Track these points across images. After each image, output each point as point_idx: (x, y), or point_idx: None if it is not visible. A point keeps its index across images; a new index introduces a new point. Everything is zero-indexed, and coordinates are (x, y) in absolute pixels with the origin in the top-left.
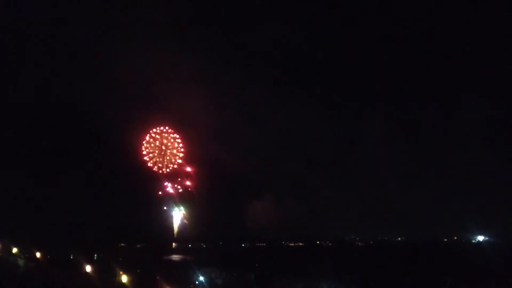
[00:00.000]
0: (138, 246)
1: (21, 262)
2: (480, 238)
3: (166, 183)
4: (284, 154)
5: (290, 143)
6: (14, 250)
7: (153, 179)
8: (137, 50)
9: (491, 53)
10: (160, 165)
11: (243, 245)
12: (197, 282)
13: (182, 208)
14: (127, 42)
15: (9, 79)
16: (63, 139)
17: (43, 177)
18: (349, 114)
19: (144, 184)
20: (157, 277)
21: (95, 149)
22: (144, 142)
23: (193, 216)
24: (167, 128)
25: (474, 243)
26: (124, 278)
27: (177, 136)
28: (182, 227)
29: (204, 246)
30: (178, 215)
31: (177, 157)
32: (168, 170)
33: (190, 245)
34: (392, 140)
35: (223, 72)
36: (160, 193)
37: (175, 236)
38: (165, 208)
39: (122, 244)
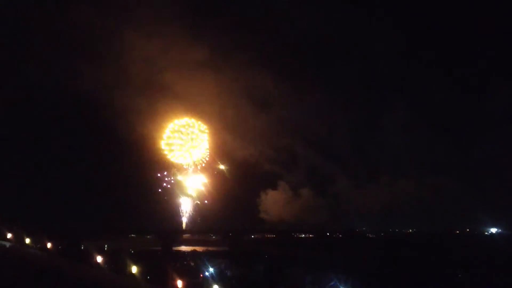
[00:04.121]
0: (148, 237)
1: (33, 252)
2: (493, 230)
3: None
4: (299, 143)
5: (306, 132)
6: (27, 240)
7: (167, 170)
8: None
9: None
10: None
11: (252, 236)
12: (206, 273)
13: (193, 199)
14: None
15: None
16: (75, 130)
17: (55, 169)
18: (366, 104)
19: (156, 176)
20: (167, 268)
21: (108, 140)
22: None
23: (203, 208)
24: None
25: (487, 235)
26: (134, 269)
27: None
28: (192, 218)
29: (213, 237)
30: (188, 207)
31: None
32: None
33: (199, 236)
34: (407, 132)
35: (237, 60)
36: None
37: (184, 227)
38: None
39: (132, 235)
